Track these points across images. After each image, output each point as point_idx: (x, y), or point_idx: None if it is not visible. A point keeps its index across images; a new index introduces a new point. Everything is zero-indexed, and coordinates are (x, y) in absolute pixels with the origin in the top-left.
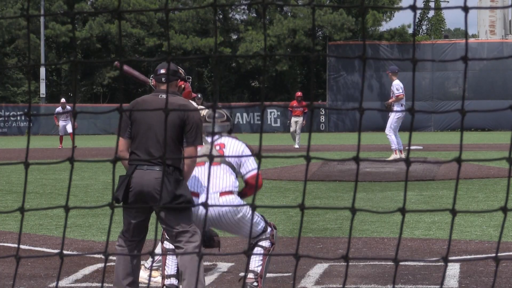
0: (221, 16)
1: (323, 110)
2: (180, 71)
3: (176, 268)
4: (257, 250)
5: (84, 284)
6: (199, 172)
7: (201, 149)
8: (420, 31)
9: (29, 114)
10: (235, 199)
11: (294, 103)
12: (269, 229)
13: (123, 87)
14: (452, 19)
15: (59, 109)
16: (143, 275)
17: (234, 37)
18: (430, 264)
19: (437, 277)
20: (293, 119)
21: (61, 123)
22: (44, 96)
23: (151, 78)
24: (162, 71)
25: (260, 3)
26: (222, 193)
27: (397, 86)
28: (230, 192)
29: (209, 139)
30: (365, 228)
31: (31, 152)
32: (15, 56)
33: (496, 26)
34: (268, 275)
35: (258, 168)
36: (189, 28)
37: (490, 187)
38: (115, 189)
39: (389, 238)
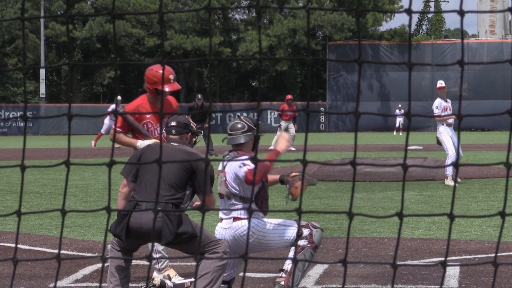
0: (221, 16)
1: (323, 110)
2: (191, 125)
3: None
4: (292, 249)
5: (84, 284)
6: (220, 203)
7: (219, 178)
8: (420, 31)
9: (25, 117)
10: (247, 223)
11: (285, 106)
12: (305, 232)
13: (122, 87)
14: (452, 19)
15: (113, 106)
16: (156, 274)
17: (234, 37)
18: (430, 264)
19: (437, 277)
20: (283, 124)
21: (108, 121)
22: (44, 96)
23: (163, 131)
24: (173, 123)
25: (254, 6)
26: (235, 219)
27: (437, 104)
28: (239, 219)
29: (225, 159)
30: (365, 228)
31: (31, 152)
32: (15, 56)
33: (496, 26)
34: (267, 275)
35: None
36: (189, 28)
37: (490, 187)
38: (113, 225)
39: (389, 238)
